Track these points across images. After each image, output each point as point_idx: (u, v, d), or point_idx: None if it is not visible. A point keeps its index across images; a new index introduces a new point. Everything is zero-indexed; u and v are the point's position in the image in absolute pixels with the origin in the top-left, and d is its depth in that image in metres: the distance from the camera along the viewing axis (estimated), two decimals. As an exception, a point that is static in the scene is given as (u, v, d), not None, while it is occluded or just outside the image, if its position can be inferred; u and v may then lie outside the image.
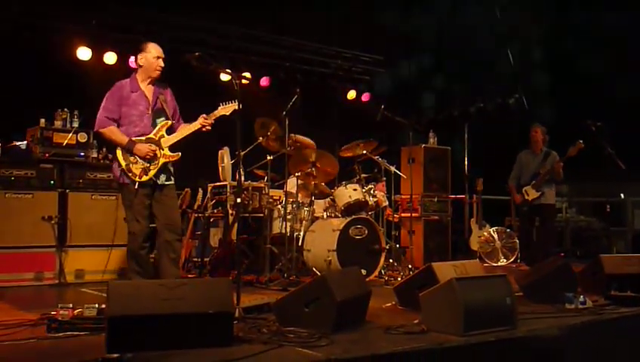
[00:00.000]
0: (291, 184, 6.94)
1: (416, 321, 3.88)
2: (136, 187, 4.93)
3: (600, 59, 11.01)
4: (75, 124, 6.72)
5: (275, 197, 7.22)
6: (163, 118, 5.14)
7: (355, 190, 6.91)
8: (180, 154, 5.14)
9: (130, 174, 4.93)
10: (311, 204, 6.96)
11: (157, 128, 5.08)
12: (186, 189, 6.79)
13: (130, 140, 4.94)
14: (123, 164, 4.93)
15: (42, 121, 6.57)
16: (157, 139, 5.06)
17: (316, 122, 9.05)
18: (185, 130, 5.15)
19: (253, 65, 9.50)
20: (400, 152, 9.20)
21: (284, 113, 6.37)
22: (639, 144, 9.55)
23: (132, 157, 4.95)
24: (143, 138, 5.01)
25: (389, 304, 4.93)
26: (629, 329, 4.42)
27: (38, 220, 6.35)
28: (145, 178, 4.95)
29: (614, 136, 7.37)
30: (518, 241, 9.32)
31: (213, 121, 5.10)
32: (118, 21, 8.51)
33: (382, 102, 7.87)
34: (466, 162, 10.13)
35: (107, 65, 8.44)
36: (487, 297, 3.81)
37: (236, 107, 4.88)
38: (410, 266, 7.37)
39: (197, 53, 4.70)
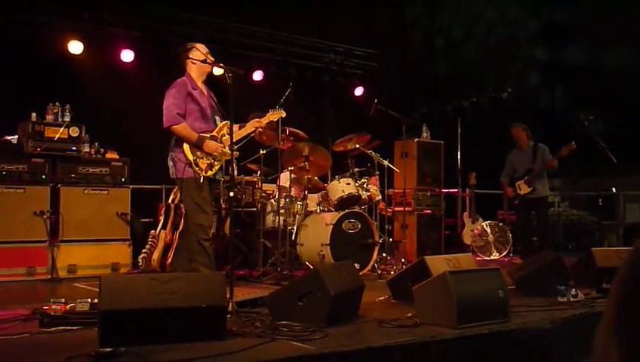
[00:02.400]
0: (284, 178, 6.93)
1: (409, 314, 3.89)
2: (201, 181, 5.05)
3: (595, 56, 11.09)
4: (67, 119, 6.66)
5: (268, 192, 7.21)
6: (219, 117, 5.35)
7: (348, 184, 6.91)
8: (238, 153, 5.40)
9: (197, 168, 5.05)
10: (304, 198, 6.95)
11: (219, 127, 5.26)
12: (178, 184, 6.75)
13: (199, 136, 5.07)
14: (191, 158, 5.04)
15: (33, 115, 6.51)
16: (219, 137, 5.22)
17: (309, 116, 9.03)
18: (242, 131, 5.41)
19: (247, 59, 9.47)
20: (393, 146, 9.19)
21: (277, 107, 6.35)
22: (631, 138, 9.61)
23: (199, 153, 5.08)
24: (207, 135, 5.15)
25: (383, 297, 4.94)
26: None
27: (30, 215, 6.32)
28: (210, 173, 5.11)
29: (607, 130, 7.41)
30: (510, 235, 9.35)
31: (264, 125, 5.56)
32: (110, 15, 8.45)
33: (376, 96, 7.86)
34: (458, 156, 10.14)
35: (99, 59, 8.39)
36: (480, 290, 3.82)
37: (283, 115, 5.64)
38: (403, 260, 7.38)
39: (189, 46, 4.70)
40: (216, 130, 5.23)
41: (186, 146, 5.05)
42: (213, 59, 5.27)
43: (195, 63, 5.25)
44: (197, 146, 5.05)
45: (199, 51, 5.25)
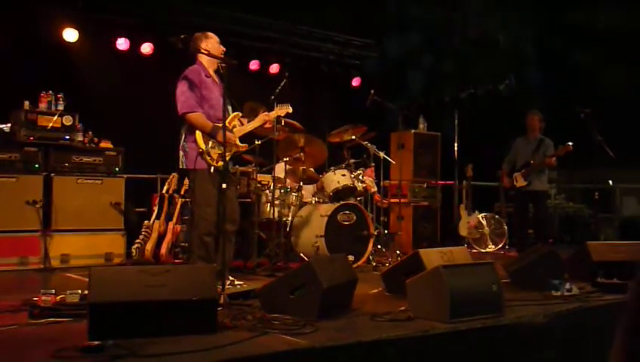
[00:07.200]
0: (280, 169, 6.90)
1: (402, 308, 3.87)
2: (212, 171, 4.95)
3: (591, 51, 11.02)
4: (60, 107, 6.61)
5: (263, 183, 7.17)
6: (230, 107, 5.25)
7: (343, 175, 6.88)
8: (247, 145, 5.38)
9: (208, 158, 4.95)
10: (299, 189, 6.92)
11: (230, 117, 5.16)
12: (173, 174, 6.72)
13: (214, 126, 4.96)
14: (203, 147, 4.95)
15: (26, 103, 6.46)
16: (230, 128, 5.10)
17: (305, 107, 8.98)
18: (252, 123, 5.37)
19: (243, 48, 9.40)
20: (389, 138, 9.15)
21: (272, 97, 6.31)
22: (628, 131, 9.57)
23: (211, 142, 4.98)
24: (220, 124, 4.95)
25: (376, 290, 4.92)
26: (614, 316, 4.43)
27: (23, 204, 6.27)
28: (221, 163, 4.94)
29: (603, 124, 7.37)
30: (506, 228, 9.32)
31: (272, 119, 5.56)
32: (105, 3, 8.36)
33: (372, 86, 7.81)
34: (455, 148, 10.10)
35: (94, 47, 8.31)
36: (473, 284, 3.79)
37: (289, 110, 5.60)
38: (398, 252, 7.36)
39: (182, 36, 4.66)
40: (228, 120, 5.06)
41: (198, 135, 4.95)
42: (224, 49, 5.22)
43: (205, 54, 5.09)
44: (211, 136, 4.95)
45: (213, 39, 5.20)
